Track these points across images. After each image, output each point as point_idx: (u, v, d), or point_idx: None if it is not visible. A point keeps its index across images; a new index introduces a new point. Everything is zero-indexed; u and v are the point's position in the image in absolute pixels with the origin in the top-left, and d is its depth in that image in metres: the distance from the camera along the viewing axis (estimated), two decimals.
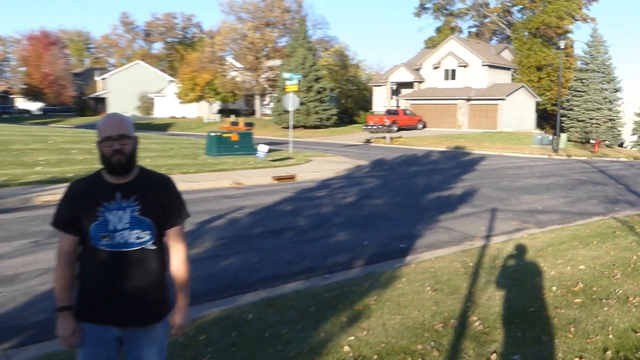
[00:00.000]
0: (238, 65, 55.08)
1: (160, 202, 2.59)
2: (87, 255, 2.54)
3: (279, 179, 16.09)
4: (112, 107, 68.01)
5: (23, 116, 66.35)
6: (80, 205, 2.51)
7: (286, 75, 25.92)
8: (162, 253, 2.63)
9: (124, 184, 2.54)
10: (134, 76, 71.39)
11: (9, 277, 6.56)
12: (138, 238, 2.51)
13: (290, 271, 6.98)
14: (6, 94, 70.20)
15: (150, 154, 19.25)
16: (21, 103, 75.82)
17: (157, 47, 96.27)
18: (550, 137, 34.48)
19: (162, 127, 49.09)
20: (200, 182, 14.63)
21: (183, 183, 14.38)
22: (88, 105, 72.88)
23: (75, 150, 18.65)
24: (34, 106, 73.00)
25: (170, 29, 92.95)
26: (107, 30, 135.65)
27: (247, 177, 15.86)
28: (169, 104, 65.69)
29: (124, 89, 69.36)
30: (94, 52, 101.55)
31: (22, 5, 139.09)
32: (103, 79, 74.03)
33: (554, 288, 5.89)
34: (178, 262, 2.67)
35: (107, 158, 2.50)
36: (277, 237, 8.83)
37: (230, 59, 56.39)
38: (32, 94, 67.33)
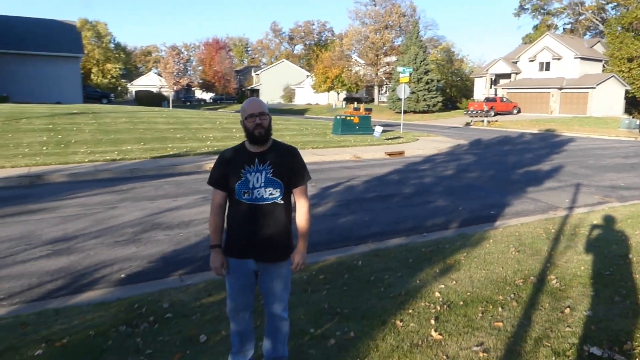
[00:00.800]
0: (361, 61, 54.64)
1: (288, 166, 2.66)
2: (233, 207, 2.69)
3: (391, 154, 15.85)
4: (263, 96, 70.70)
5: (200, 104, 70.99)
6: (229, 168, 2.65)
7: (399, 69, 25.29)
8: (289, 207, 2.70)
9: (261, 152, 2.65)
10: (280, 72, 73.45)
11: (185, 222, 7.10)
12: (270, 194, 2.61)
13: (394, 229, 6.88)
14: (189, 87, 75.27)
15: (290, 133, 19.75)
16: (199, 94, 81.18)
17: (298, 48, 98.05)
18: (638, 122, 30.73)
19: (300, 112, 50.24)
20: (326, 156, 14.81)
21: (313, 156, 14.65)
22: (246, 95, 76.20)
23: (235, 129, 19.63)
24: (207, 96, 77.76)
25: (308, 34, 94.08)
26: (261, 36, 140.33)
27: (364, 152, 15.81)
28: (306, 94, 67.03)
29: (272, 82, 71.75)
30: (250, 54, 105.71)
31: (202, 18, 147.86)
32: (257, 74, 77.00)
33: (630, 256, 5.28)
34: (301, 214, 2.73)
35: (251, 131, 2.61)
36: (386, 201, 8.73)
37: (354, 57, 56.07)
38: (206, 86, 71.56)
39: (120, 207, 8.10)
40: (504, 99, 43.21)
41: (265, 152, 2.65)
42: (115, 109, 24.09)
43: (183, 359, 3.07)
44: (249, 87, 78.22)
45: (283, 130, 20.25)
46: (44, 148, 13.86)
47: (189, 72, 70.47)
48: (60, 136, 15.43)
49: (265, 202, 2.61)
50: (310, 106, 59.89)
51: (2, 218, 7.45)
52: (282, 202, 2.64)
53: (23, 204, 8.45)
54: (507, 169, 13.15)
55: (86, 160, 12.62)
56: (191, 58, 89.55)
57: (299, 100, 69.16)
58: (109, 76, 54.53)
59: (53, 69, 29.23)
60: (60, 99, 28.06)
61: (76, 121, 18.27)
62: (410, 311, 3.79)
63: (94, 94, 39.27)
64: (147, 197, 8.84)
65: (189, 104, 69.17)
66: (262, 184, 2.60)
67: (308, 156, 14.52)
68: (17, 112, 19.62)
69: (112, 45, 60.24)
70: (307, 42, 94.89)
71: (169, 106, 33.23)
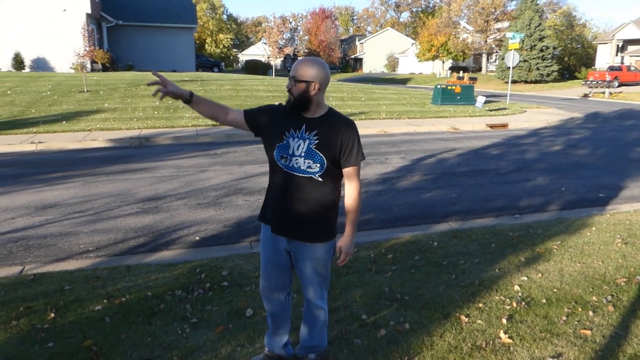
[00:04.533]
0: (469, 28, 51.26)
1: (338, 141, 2.26)
2: (271, 169, 2.40)
3: (492, 126, 14.66)
4: (366, 65, 69.62)
5: None
6: (274, 122, 2.34)
7: (509, 34, 23.17)
8: (331, 186, 2.33)
9: (310, 119, 2.28)
10: (384, 40, 71.48)
11: (260, 189, 7.06)
12: (308, 167, 2.26)
13: (483, 207, 6.25)
14: (295, 56, 76.37)
15: (387, 102, 19.10)
16: None
17: (404, 16, 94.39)
18: None
19: (402, 81, 48.69)
20: (422, 126, 14.06)
21: (408, 126, 14.00)
22: (349, 64, 75.57)
23: (331, 97, 19.40)
24: None
25: (416, 0, 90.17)
26: (367, 4, 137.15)
27: (463, 123, 14.79)
28: (409, 63, 64.69)
29: (376, 51, 70.14)
30: (356, 22, 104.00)
31: None
32: (361, 43, 75.69)
33: None
34: (350, 197, 2.35)
35: (289, 95, 2.28)
36: (478, 176, 8.01)
37: (463, 23, 52.75)
38: (311, 56, 72.10)
39: (210, 170, 8.29)
40: (632, 68, 38.11)
41: (315, 120, 2.28)
42: (222, 77, 24.99)
43: (224, 333, 2.93)
44: (353, 56, 77.36)
45: (380, 99, 19.64)
46: (156, 112, 14.71)
47: (295, 42, 71.15)
48: (170, 102, 16.28)
49: (300, 174, 2.28)
50: (413, 75, 57.81)
51: (109, 175, 7.98)
52: (320, 179, 2.28)
53: (129, 163, 9.00)
54: (626, 146, 11.51)
55: (190, 124, 13.19)
56: (298, 28, 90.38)
57: (402, 70, 67.03)
58: (221, 46, 56.87)
59: (170, 39, 30.98)
60: (175, 67, 29.76)
61: (185, 88, 19.22)
62: (480, 305, 3.31)
63: (207, 63, 41.16)
64: (237, 162, 8.96)
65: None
66: (302, 154, 2.25)
67: (402, 126, 13.91)
68: (138, 79, 21.07)
69: (225, 17, 62.54)
70: (414, 9, 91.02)
71: (273, 75, 33.89)
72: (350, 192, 2.36)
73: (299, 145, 2.26)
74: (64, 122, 13.12)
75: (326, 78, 2.26)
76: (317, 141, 2.25)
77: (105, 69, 25.21)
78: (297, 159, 2.27)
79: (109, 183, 7.44)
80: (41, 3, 24.07)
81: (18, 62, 23.60)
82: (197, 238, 5.09)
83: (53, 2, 24.19)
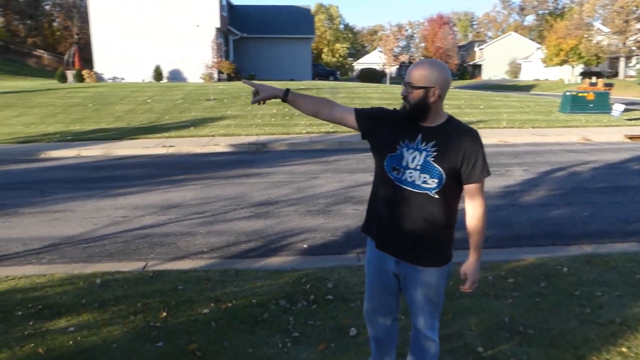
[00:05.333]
0: (604, 29, 46.37)
1: (459, 154, 1.98)
2: (378, 178, 2.16)
3: (632, 137, 12.93)
4: (485, 72, 66.34)
5: None
6: (388, 129, 2.09)
7: None
8: (447, 204, 2.04)
9: (427, 128, 2.03)
10: (506, 45, 67.55)
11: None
12: (424, 182, 1.99)
13: (622, 230, 5.43)
14: (410, 64, 75.64)
15: (508, 110, 17.85)
16: None
17: (529, 19, 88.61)
18: None
19: (524, 88, 45.45)
20: (548, 136, 12.86)
21: (532, 136, 12.90)
22: (467, 71, 72.60)
23: (447, 105, 18.63)
24: None
25: (542, 2, 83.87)
26: (488, 8, 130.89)
27: (596, 133, 13.25)
28: (533, 68, 60.30)
29: (496, 57, 66.52)
30: (475, 28, 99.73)
31: None
32: (480, 49, 72.34)
33: None
34: (474, 217, 2.06)
35: (404, 102, 2.03)
36: (616, 194, 7.02)
37: (597, 24, 47.90)
38: None
39: (321, 177, 8.30)
40: None
41: (433, 130, 2.01)
42: (336, 85, 25.34)
43: (326, 351, 2.78)
44: (471, 63, 74.24)
45: (500, 107, 18.43)
46: (273, 120, 15.27)
47: (410, 49, 70.19)
48: (287, 109, 16.82)
49: (414, 190, 2.02)
50: (538, 82, 53.73)
51: (227, 179, 8.37)
52: (436, 196, 2.01)
53: (246, 167, 9.37)
54: None
55: (304, 131, 13.47)
56: (414, 35, 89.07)
57: (525, 76, 62.66)
58: (337, 55, 57.98)
59: (289, 49, 32.27)
60: (293, 76, 30.86)
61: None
62: (623, 349, 2.77)
63: (322, 72, 42.15)
64: (348, 170, 8.88)
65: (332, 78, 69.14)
66: (418, 167, 2.00)
67: (525, 136, 12.85)
68: None
69: (341, 27, 63.70)
70: (540, 12, 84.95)
71: (387, 82, 33.65)
72: (473, 212, 2.07)
73: (414, 157, 2.01)
74: (192, 127, 14.15)
75: (447, 83, 2.00)
76: (435, 153, 1.99)
77: (230, 78, 26.90)
78: (411, 173, 2.02)
79: (227, 186, 7.78)
80: (178, 21, 26.44)
81: (158, 74, 26.13)
82: (305, 246, 5.05)
83: (188, 19, 26.44)
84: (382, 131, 2.12)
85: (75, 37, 45.41)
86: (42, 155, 11.30)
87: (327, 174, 8.52)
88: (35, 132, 14.09)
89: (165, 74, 26.70)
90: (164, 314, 3.21)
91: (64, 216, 6.26)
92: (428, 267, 2.09)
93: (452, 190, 2.04)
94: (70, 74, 26.18)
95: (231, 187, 7.75)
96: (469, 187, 2.05)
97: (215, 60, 19.53)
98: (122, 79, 26.87)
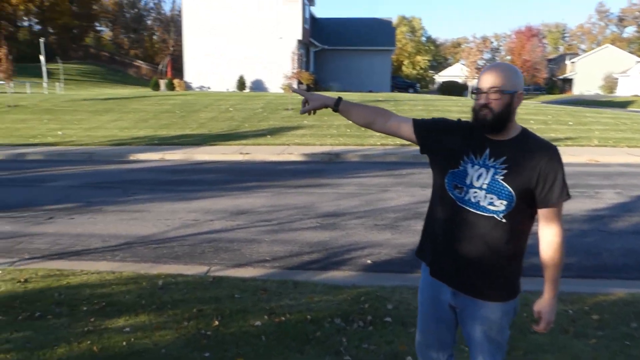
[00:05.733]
0: None
1: (534, 172, 1.71)
2: (437, 193, 1.90)
3: None
4: (577, 86, 62.07)
5: None
6: (451, 142, 1.85)
7: None
8: (516, 230, 1.76)
9: (496, 141, 1.77)
10: (601, 59, 62.76)
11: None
12: (490, 204, 1.73)
13: None
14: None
15: (600, 127, 16.44)
16: None
17: (629, 30, 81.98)
18: None
19: (621, 104, 41.83)
20: None
21: (627, 156, 11.71)
22: (556, 85, 68.36)
23: (532, 121, 17.53)
24: None
25: None
26: (582, 20, 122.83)
27: None
28: (632, 83, 55.46)
29: (589, 71, 61.99)
30: (567, 40, 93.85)
31: (515, 7, 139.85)
32: (572, 62, 67.80)
33: None
34: (550, 247, 1.77)
35: (475, 111, 1.77)
36: None
37: None
38: None
39: (392, 190, 8.03)
40: None
41: (504, 144, 1.76)
42: (415, 97, 24.81)
43: None
44: (561, 77, 69.86)
45: (591, 124, 17.03)
46: (348, 130, 15.19)
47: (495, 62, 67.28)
48: None
49: (478, 212, 1.76)
50: (636, 98, 49.35)
51: (297, 188, 8.36)
52: (504, 220, 1.74)
53: (317, 177, 9.33)
54: None
55: (378, 143, 13.24)
56: (500, 48, 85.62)
57: (623, 91, 57.78)
58: (417, 67, 57.05)
59: (369, 61, 32.23)
60: (372, 88, 30.70)
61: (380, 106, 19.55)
62: None
63: (402, 84, 41.63)
64: (420, 184, 8.54)
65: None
66: (484, 186, 1.74)
67: (619, 155, 11.71)
68: None
69: (423, 39, 62.67)
70: None
71: (468, 96, 32.53)
72: (550, 240, 1.77)
73: (480, 174, 1.76)
74: (269, 136, 14.42)
75: (522, 87, 1.78)
76: (505, 171, 1.72)
77: (309, 89, 27.28)
78: (476, 192, 1.77)
79: (296, 195, 7.75)
80: (262, 33, 27.32)
81: (241, 84, 27.13)
82: (369, 261, 4.83)
83: (272, 31, 27.24)
84: (444, 144, 1.88)
85: (171, 49, 48.53)
86: (131, 157, 12.00)
87: (398, 188, 8.24)
88: (127, 136, 15.06)
89: (248, 83, 27.64)
90: (216, 322, 3.15)
91: (141, 216, 6.52)
92: (490, 301, 1.81)
93: (523, 214, 1.76)
94: (162, 83, 27.93)
95: (301, 196, 7.72)
96: (544, 212, 1.76)
97: (294, 71, 19.85)
98: (208, 87, 28.18)
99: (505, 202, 1.73)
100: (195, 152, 12.39)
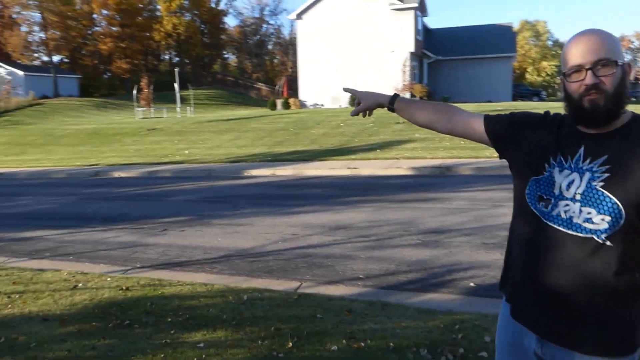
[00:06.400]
0: None
1: None
2: (518, 210, 1.48)
3: None
4: None
5: None
6: (533, 140, 1.43)
7: None
8: (627, 256, 1.28)
9: (594, 136, 1.32)
10: None
11: None
12: (587, 221, 1.28)
13: None
14: (637, 80, 64.40)
15: None
16: None
17: None
18: None
19: None
20: None
21: None
22: None
23: None
24: None
25: None
26: None
27: None
28: None
29: None
30: None
31: None
32: None
33: None
34: None
35: (575, 100, 1.30)
36: None
37: None
38: None
39: (506, 206, 7.27)
40: None
41: (605, 138, 1.31)
42: (538, 105, 22.86)
43: None
44: None
45: None
46: (462, 142, 14.36)
47: (637, 63, 59.97)
48: None
49: (571, 231, 1.31)
50: None
51: (401, 202, 7.99)
52: (608, 242, 1.27)
53: (423, 191, 8.86)
54: None
55: (495, 155, 12.19)
56: None
57: None
58: (543, 74, 52.79)
59: (487, 70, 30.52)
60: (490, 98, 28.97)
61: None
62: None
63: (526, 92, 38.75)
64: None
65: (634, 99, 58.98)
66: (578, 197, 1.30)
67: None
68: None
69: (549, 43, 57.92)
70: None
71: None
72: None
73: (572, 181, 1.32)
74: (378, 150, 14.18)
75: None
76: (606, 175, 1.27)
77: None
78: (567, 205, 1.33)
79: (399, 210, 7.38)
80: (374, 48, 27.34)
81: (353, 99, 27.26)
82: (472, 284, 4.32)
83: (384, 45, 27.14)
84: (524, 144, 1.46)
85: (289, 70, 50.93)
86: (245, 174, 12.57)
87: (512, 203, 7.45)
88: (244, 153, 15.89)
89: None
90: (290, 344, 2.96)
91: (244, 229, 6.67)
92: (594, 355, 1.33)
93: (636, 235, 1.28)
94: (279, 102, 29.25)
95: (404, 211, 7.33)
96: None
97: (405, 83, 19.43)
98: (322, 105, 28.86)
99: (608, 218, 1.26)
100: (305, 168, 12.58)
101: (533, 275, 1.40)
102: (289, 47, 56.43)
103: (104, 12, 50.15)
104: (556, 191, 1.35)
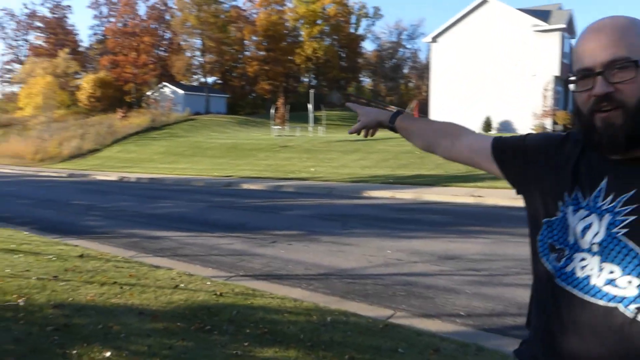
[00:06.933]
0: None
1: None
2: (532, 264, 1.12)
3: None
4: None
5: None
6: (548, 171, 1.06)
7: None
8: None
9: (623, 164, 0.94)
10: None
11: None
12: (609, 282, 0.91)
13: None
14: None
15: None
16: None
17: None
18: None
19: None
20: None
21: None
22: None
23: None
24: None
25: None
26: None
27: None
28: None
29: None
30: None
31: None
32: None
33: None
34: None
35: (585, 118, 0.95)
36: None
37: None
38: None
39: None
40: None
41: (635, 165, 0.93)
42: None
43: None
44: None
45: None
46: None
47: None
48: None
49: (588, 298, 0.93)
50: None
51: (524, 237, 7.05)
52: (638, 315, 0.88)
53: None
54: None
55: None
56: None
57: None
58: None
59: None
60: None
61: None
62: None
63: None
64: None
65: None
66: (596, 247, 0.93)
67: None
68: None
69: None
70: None
71: None
72: None
73: (589, 225, 0.95)
74: None
75: None
76: (632, 217, 0.90)
77: (565, 129, 24.17)
78: (584, 259, 0.95)
79: (520, 245, 6.64)
80: (512, 72, 25.64)
81: (487, 125, 25.87)
82: None
83: (523, 69, 25.32)
84: (538, 175, 1.09)
85: (424, 94, 50.29)
86: (364, 194, 12.52)
87: None
88: (367, 174, 15.90)
89: (494, 124, 26.18)
90: None
91: (348, 249, 6.55)
92: None
93: None
94: None
95: (525, 246, 6.50)
96: None
97: (546, 109, 17.81)
98: None
99: (637, 281, 0.88)
100: (426, 193, 12.13)
101: (549, 348, 1.03)
102: (425, 71, 55.80)
103: (254, 37, 54.89)
104: (571, 239, 0.98)
